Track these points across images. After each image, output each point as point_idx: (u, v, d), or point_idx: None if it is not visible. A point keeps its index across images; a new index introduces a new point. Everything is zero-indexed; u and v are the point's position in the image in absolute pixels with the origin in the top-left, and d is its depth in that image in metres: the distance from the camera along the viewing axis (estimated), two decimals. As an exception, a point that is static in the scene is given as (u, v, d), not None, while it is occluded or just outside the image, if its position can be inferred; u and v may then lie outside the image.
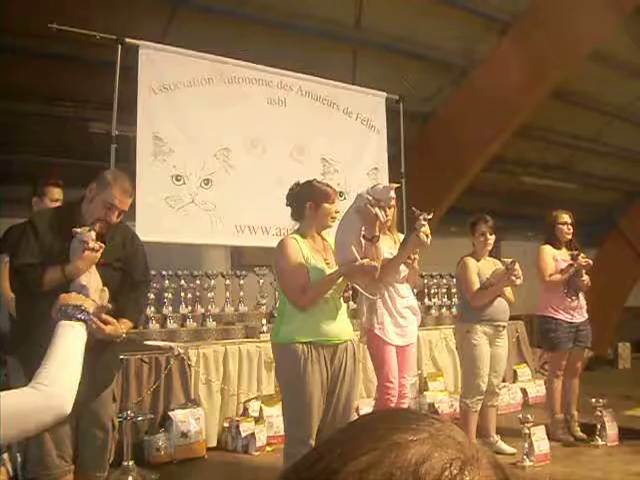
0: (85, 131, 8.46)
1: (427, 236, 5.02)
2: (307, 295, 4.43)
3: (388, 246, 5.32)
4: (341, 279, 4.51)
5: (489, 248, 6.41)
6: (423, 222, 4.97)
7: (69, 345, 2.12)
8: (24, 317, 3.93)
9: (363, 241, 4.56)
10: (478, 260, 6.35)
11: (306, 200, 4.59)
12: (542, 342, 7.28)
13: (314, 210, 4.57)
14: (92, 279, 3.88)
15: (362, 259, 4.39)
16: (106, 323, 3.80)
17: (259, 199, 7.71)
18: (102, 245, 3.86)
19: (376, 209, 4.48)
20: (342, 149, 8.72)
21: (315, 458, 0.81)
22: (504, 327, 6.35)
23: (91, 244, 3.78)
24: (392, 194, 4.66)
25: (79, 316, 2.23)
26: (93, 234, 3.84)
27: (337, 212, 4.63)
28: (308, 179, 4.75)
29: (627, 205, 15.63)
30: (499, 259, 6.52)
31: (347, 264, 4.38)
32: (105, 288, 3.89)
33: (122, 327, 4.00)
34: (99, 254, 3.86)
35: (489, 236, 6.32)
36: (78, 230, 3.87)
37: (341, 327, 4.60)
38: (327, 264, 4.54)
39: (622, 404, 7.60)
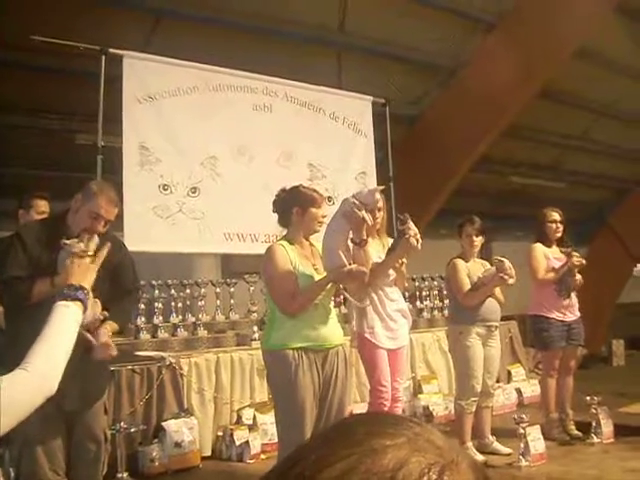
0: (71, 143, 8.43)
1: (417, 240, 5.02)
2: (296, 302, 4.41)
3: (377, 250, 5.31)
4: (330, 285, 4.49)
5: (476, 250, 6.42)
6: (406, 225, 4.97)
7: (61, 326, 2.09)
8: (13, 329, 3.91)
9: (351, 245, 4.55)
10: (467, 261, 6.35)
11: (293, 206, 4.57)
12: (535, 341, 7.28)
13: (301, 215, 4.55)
14: None
15: (351, 264, 4.37)
16: (107, 343, 3.83)
17: (247, 206, 7.68)
18: (91, 250, 3.84)
19: (363, 212, 4.46)
20: (329, 154, 8.70)
21: (290, 464, 0.79)
22: (496, 327, 6.35)
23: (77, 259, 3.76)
24: (377, 197, 4.65)
25: (75, 294, 2.21)
26: (82, 245, 3.81)
27: (324, 217, 4.61)
28: (294, 185, 4.73)
29: (617, 202, 15.67)
30: (488, 260, 6.52)
31: (336, 270, 4.36)
32: (97, 300, 3.89)
33: (107, 327, 3.97)
34: (95, 256, 3.85)
35: (475, 238, 6.33)
36: (67, 242, 3.84)
37: (332, 332, 4.58)
38: (315, 270, 4.52)
39: (617, 401, 7.60)
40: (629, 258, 15.63)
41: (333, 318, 4.67)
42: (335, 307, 4.91)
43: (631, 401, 7.94)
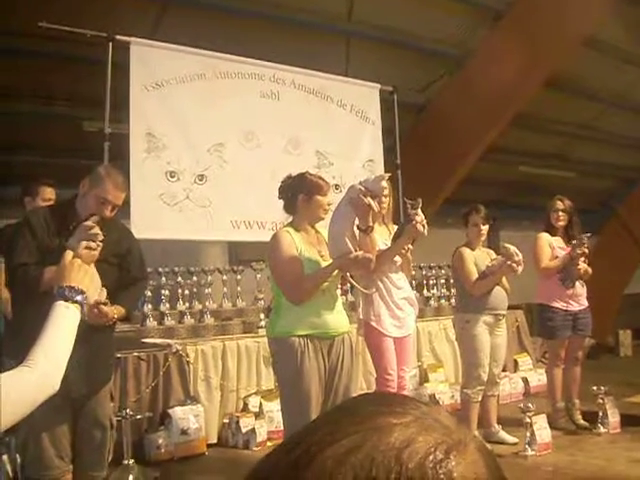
0: (78, 130, 8.42)
1: (423, 226, 5.01)
2: (302, 288, 4.41)
3: (383, 237, 5.32)
4: (336, 271, 4.48)
5: (482, 238, 6.40)
6: (415, 211, 4.96)
7: (63, 325, 2.12)
8: (20, 318, 3.89)
9: (357, 232, 4.54)
10: (473, 250, 6.33)
11: (298, 192, 4.57)
12: (540, 330, 7.27)
13: (306, 202, 4.55)
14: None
15: (356, 251, 4.36)
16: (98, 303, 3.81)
17: (254, 194, 7.67)
18: (100, 243, 3.84)
19: (369, 199, 4.44)
20: (337, 141, 8.67)
21: (295, 442, 0.79)
22: (503, 316, 6.34)
23: (93, 244, 3.77)
24: (384, 184, 4.62)
25: (76, 298, 2.22)
26: (97, 229, 3.82)
27: (330, 204, 4.60)
28: (300, 172, 4.72)
29: (625, 192, 15.59)
30: (495, 249, 6.50)
31: (342, 256, 4.35)
32: (103, 288, 3.88)
33: (114, 310, 3.99)
34: (97, 252, 3.84)
35: (482, 226, 6.31)
36: (86, 223, 3.85)
37: (338, 319, 4.58)
38: (321, 257, 4.52)
39: (624, 391, 7.59)
40: (638, 248, 15.56)
41: (339, 305, 4.67)
42: (341, 295, 4.89)
43: (638, 391, 7.93)
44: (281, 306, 4.54)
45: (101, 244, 3.83)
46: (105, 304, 3.84)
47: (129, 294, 4.27)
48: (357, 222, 4.53)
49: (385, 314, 5.22)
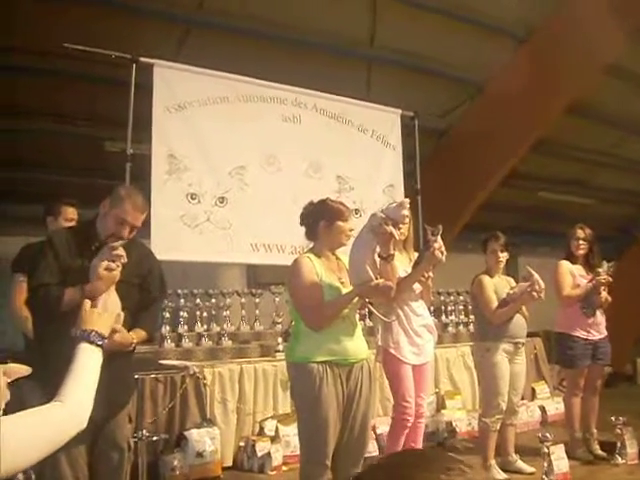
0: (100, 150, 8.48)
1: (442, 253, 4.99)
2: (322, 315, 4.39)
3: (403, 264, 5.30)
4: (356, 299, 4.47)
5: (501, 266, 6.36)
6: (434, 238, 4.95)
7: (89, 367, 2.25)
8: (42, 338, 3.90)
9: (378, 260, 4.52)
10: (492, 277, 6.29)
11: (320, 219, 4.56)
12: (559, 359, 7.20)
13: (328, 228, 4.54)
14: (110, 300, 3.88)
15: (377, 278, 4.35)
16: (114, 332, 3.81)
17: (274, 217, 7.68)
18: (119, 265, 3.85)
19: (390, 227, 4.43)
20: (357, 166, 8.68)
21: None
22: (523, 344, 6.29)
23: (113, 265, 3.79)
24: (405, 212, 4.60)
25: (98, 342, 2.37)
26: (121, 251, 3.83)
27: (351, 230, 4.59)
28: (322, 197, 4.72)
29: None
30: (514, 276, 6.46)
31: (362, 284, 4.33)
32: (121, 312, 3.89)
33: (133, 335, 3.99)
34: (118, 273, 3.86)
35: (500, 254, 6.27)
36: (112, 244, 3.87)
37: (357, 346, 4.55)
38: (342, 283, 4.50)
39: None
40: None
41: (358, 332, 4.64)
42: (359, 320, 4.89)
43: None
44: (300, 332, 4.52)
45: (121, 266, 3.85)
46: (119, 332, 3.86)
47: (149, 315, 4.26)
48: (378, 250, 4.52)
49: (404, 341, 5.21)
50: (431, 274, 5.23)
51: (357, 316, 4.75)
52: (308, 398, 4.39)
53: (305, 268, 4.46)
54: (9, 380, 2.06)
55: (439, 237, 5.04)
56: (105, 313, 2.66)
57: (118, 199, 3.99)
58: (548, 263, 7.39)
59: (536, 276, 5.97)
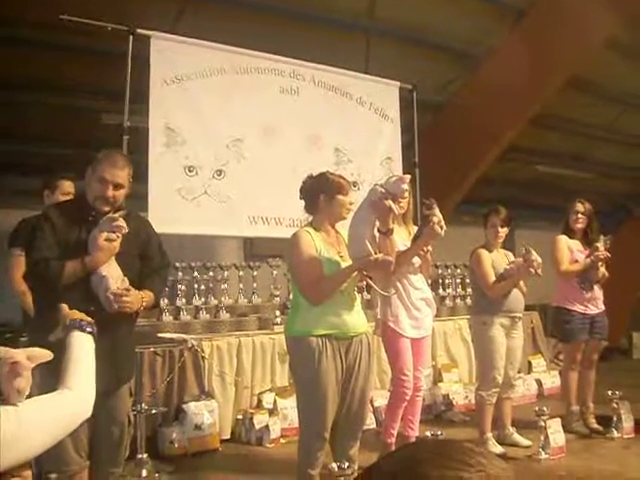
0: (97, 122, 8.44)
1: (441, 227, 4.99)
2: (321, 289, 4.40)
3: (402, 238, 5.31)
4: (355, 273, 4.47)
5: (500, 240, 6.34)
6: (433, 212, 4.95)
7: (86, 353, 2.33)
8: (42, 313, 3.90)
9: (377, 234, 4.52)
10: (490, 251, 6.28)
11: (319, 192, 4.55)
12: (557, 333, 7.23)
13: (328, 202, 4.53)
14: (112, 269, 3.91)
15: (376, 253, 4.34)
16: (123, 294, 3.85)
17: (272, 190, 7.67)
18: (119, 235, 3.87)
19: (390, 202, 4.42)
20: (355, 139, 8.66)
21: None
22: (520, 318, 6.30)
23: (112, 236, 3.85)
24: (404, 187, 4.59)
25: (88, 329, 2.48)
26: (121, 222, 3.85)
27: (351, 204, 4.58)
28: (321, 171, 4.71)
29: (642, 193, 15.54)
30: (512, 250, 6.46)
31: (362, 258, 4.32)
32: (125, 278, 3.93)
33: (142, 294, 4.02)
34: (118, 244, 3.87)
35: (500, 229, 6.24)
36: (111, 215, 3.93)
37: (356, 320, 4.57)
38: (341, 257, 4.50)
39: (637, 395, 7.53)
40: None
41: (357, 306, 4.65)
42: (357, 293, 4.89)
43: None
44: (299, 305, 4.53)
45: (120, 236, 3.87)
46: (128, 290, 3.87)
47: (154, 282, 4.26)
48: (377, 224, 4.51)
49: (403, 315, 5.23)
50: (430, 248, 5.23)
51: (356, 290, 4.76)
52: (307, 371, 4.41)
53: (304, 242, 4.46)
54: (33, 365, 2.08)
55: (437, 211, 5.03)
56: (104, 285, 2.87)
57: (97, 162, 4.01)
58: (545, 237, 7.40)
59: (534, 254, 5.97)
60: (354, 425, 4.62)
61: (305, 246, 4.44)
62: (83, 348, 2.35)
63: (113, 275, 3.89)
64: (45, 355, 2.15)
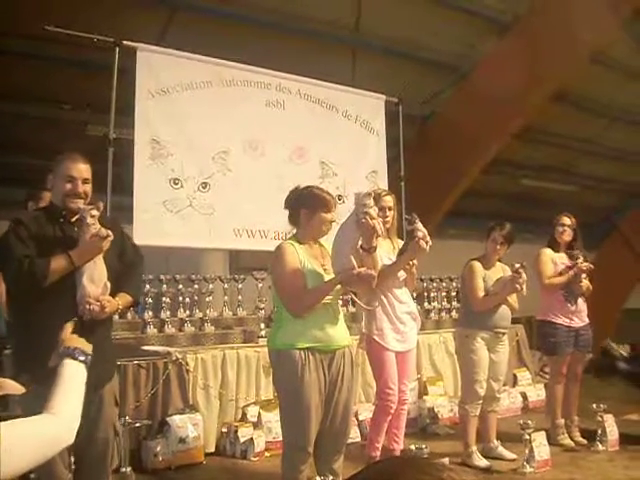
0: (82, 134, 8.42)
1: (427, 242, 5.00)
2: (304, 302, 4.39)
3: (387, 251, 5.32)
4: (339, 286, 4.46)
5: (497, 257, 6.33)
6: (416, 226, 4.96)
7: (76, 382, 2.29)
8: (26, 318, 3.83)
9: (360, 251, 4.51)
10: (487, 265, 6.26)
11: (301, 207, 4.54)
12: (542, 347, 7.22)
13: (309, 217, 4.52)
14: (97, 270, 3.88)
15: (359, 267, 4.34)
16: (103, 306, 3.81)
17: (257, 202, 7.67)
18: (110, 233, 3.86)
19: (375, 222, 4.42)
20: (341, 152, 8.66)
21: None
22: (504, 334, 6.30)
23: (89, 220, 3.81)
24: (366, 201, 4.55)
25: (81, 358, 2.41)
26: (94, 212, 3.84)
27: (333, 221, 4.57)
28: (308, 184, 4.70)
29: (627, 207, 15.61)
30: (511, 265, 6.47)
31: (344, 272, 4.32)
32: (108, 283, 3.90)
33: (118, 301, 3.99)
34: (108, 242, 3.86)
35: (499, 245, 6.21)
36: (81, 206, 3.90)
37: (339, 333, 4.55)
38: (324, 270, 4.48)
39: (620, 407, 7.55)
40: (638, 264, 15.55)
41: (341, 319, 4.64)
42: (341, 306, 4.89)
43: (635, 408, 7.91)
44: (282, 318, 4.51)
45: (110, 233, 3.86)
46: (105, 301, 3.85)
47: (131, 280, 4.24)
48: (360, 241, 4.51)
49: (388, 328, 5.22)
50: (415, 262, 5.24)
51: (340, 303, 4.75)
52: (290, 385, 4.39)
53: (288, 255, 4.44)
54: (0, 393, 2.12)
55: (419, 225, 5.04)
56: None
57: (57, 164, 4.03)
58: (531, 250, 7.40)
59: (524, 277, 5.98)
60: (338, 439, 4.60)
61: (289, 258, 4.43)
62: (74, 378, 2.32)
63: (97, 277, 3.87)
64: (15, 389, 2.19)
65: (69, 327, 2.65)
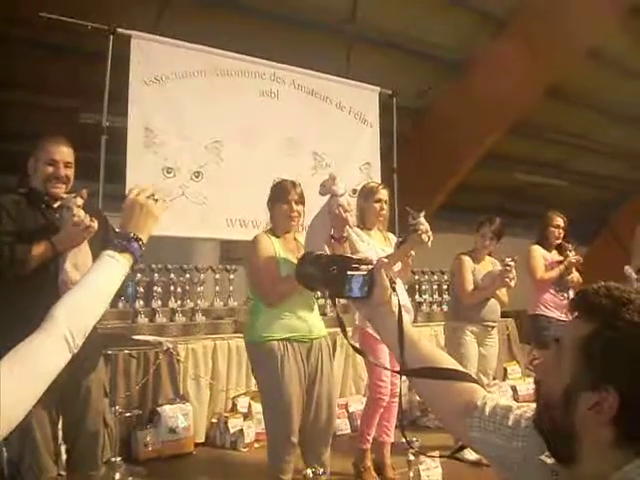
0: (75, 122, 8.37)
1: (428, 237, 4.99)
2: (277, 290, 4.43)
3: (379, 242, 5.33)
4: None
5: (486, 251, 6.35)
6: (423, 221, 4.96)
7: (98, 281, 1.80)
8: (9, 304, 3.66)
9: (332, 240, 4.54)
10: (476, 259, 6.27)
11: (269, 200, 4.70)
12: (535, 340, 7.21)
13: (272, 210, 4.67)
14: (81, 256, 3.78)
15: None
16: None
17: (250, 192, 7.61)
18: (94, 224, 3.78)
19: (347, 215, 4.49)
20: (334, 143, 8.62)
21: None
22: (493, 327, 6.31)
23: (75, 210, 3.73)
24: (334, 188, 4.57)
25: (128, 245, 1.89)
26: (79, 200, 3.77)
27: (293, 213, 4.62)
28: (298, 174, 4.79)
29: (619, 203, 15.63)
30: (501, 260, 6.46)
31: None
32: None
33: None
34: (91, 233, 3.78)
35: (488, 240, 6.24)
36: (64, 195, 3.86)
37: (314, 323, 4.64)
38: None
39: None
40: (629, 260, 15.56)
41: (316, 310, 4.73)
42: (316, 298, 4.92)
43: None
44: (258, 310, 4.57)
45: (95, 220, 3.78)
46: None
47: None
48: (332, 232, 4.55)
49: (382, 321, 5.20)
50: (413, 253, 5.23)
51: (315, 295, 4.78)
52: (269, 376, 4.45)
53: (262, 245, 4.52)
54: None
55: (422, 219, 5.05)
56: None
57: (39, 149, 3.97)
58: (521, 244, 7.41)
59: (514, 273, 5.99)
60: (324, 431, 4.64)
61: (263, 249, 4.51)
62: (96, 276, 1.81)
63: (80, 262, 3.78)
64: None
65: (133, 192, 2.03)
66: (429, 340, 8.36)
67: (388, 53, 9.70)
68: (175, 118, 7.47)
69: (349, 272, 1.86)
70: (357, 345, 5.23)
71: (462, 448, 1.97)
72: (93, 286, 1.78)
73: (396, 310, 1.89)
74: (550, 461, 1.51)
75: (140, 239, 1.92)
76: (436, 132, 10.48)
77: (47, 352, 1.62)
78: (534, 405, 1.68)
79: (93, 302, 1.78)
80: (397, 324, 1.88)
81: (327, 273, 1.89)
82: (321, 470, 4.14)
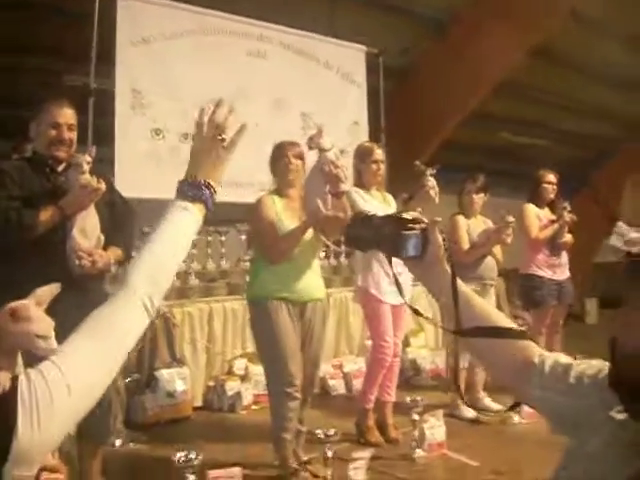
0: (60, 84, 8.22)
1: (435, 193, 5.01)
2: (278, 247, 4.52)
3: (379, 201, 5.34)
4: (312, 234, 4.59)
5: (476, 207, 6.39)
6: (430, 178, 4.97)
7: (173, 234, 1.67)
8: (4, 279, 3.42)
9: (330, 197, 4.56)
10: (468, 218, 6.31)
11: (269, 161, 4.81)
12: (526, 300, 7.24)
13: (273, 170, 4.79)
14: (89, 222, 3.74)
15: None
16: (94, 261, 3.72)
17: (240, 154, 7.31)
18: (101, 185, 3.75)
19: (338, 171, 4.53)
20: (322, 103, 8.58)
21: None
22: (492, 285, 6.35)
23: (85, 167, 3.73)
24: (321, 141, 4.65)
25: (199, 194, 1.76)
26: (88, 157, 3.74)
27: (292, 165, 4.71)
28: (290, 135, 4.90)
29: (599, 163, 15.72)
30: (500, 216, 6.48)
31: (312, 214, 4.41)
32: (101, 235, 3.78)
33: (110, 255, 3.90)
34: (99, 194, 3.75)
35: (475, 195, 6.33)
36: (74, 154, 3.86)
37: (312, 285, 4.73)
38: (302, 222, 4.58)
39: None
40: (607, 218, 15.66)
41: (315, 273, 4.80)
42: (325, 258, 4.95)
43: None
44: (259, 268, 4.72)
45: (102, 182, 3.75)
46: (97, 255, 3.75)
47: (122, 233, 4.13)
48: (328, 188, 4.58)
49: (385, 281, 5.21)
50: (420, 210, 5.22)
51: (324, 254, 4.86)
52: (266, 332, 4.56)
53: (265, 206, 4.63)
54: (44, 307, 1.63)
55: (430, 176, 5.08)
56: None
57: (42, 111, 3.93)
58: (508, 203, 7.42)
59: (512, 222, 6.02)
60: (306, 389, 4.70)
61: (265, 210, 4.62)
62: (171, 229, 1.67)
63: (88, 229, 3.74)
64: (52, 290, 1.66)
65: (199, 132, 1.89)
66: (420, 298, 8.40)
67: (372, 11, 9.59)
68: (163, 79, 7.39)
69: (403, 231, 1.82)
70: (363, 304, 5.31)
71: (517, 405, 1.96)
72: (168, 244, 1.65)
73: (449, 269, 1.86)
74: (620, 417, 1.49)
75: (212, 186, 1.80)
76: (421, 91, 10.44)
77: (128, 322, 1.54)
78: (594, 362, 1.67)
79: (170, 262, 1.67)
80: (451, 283, 1.86)
81: (380, 233, 1.85)
82: (332, 431, 4.18)
